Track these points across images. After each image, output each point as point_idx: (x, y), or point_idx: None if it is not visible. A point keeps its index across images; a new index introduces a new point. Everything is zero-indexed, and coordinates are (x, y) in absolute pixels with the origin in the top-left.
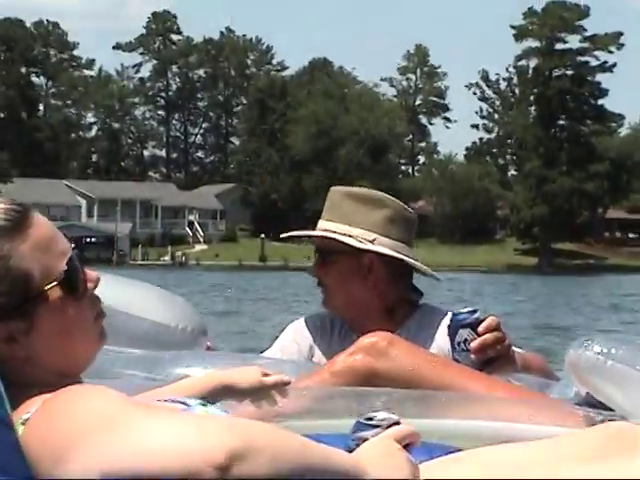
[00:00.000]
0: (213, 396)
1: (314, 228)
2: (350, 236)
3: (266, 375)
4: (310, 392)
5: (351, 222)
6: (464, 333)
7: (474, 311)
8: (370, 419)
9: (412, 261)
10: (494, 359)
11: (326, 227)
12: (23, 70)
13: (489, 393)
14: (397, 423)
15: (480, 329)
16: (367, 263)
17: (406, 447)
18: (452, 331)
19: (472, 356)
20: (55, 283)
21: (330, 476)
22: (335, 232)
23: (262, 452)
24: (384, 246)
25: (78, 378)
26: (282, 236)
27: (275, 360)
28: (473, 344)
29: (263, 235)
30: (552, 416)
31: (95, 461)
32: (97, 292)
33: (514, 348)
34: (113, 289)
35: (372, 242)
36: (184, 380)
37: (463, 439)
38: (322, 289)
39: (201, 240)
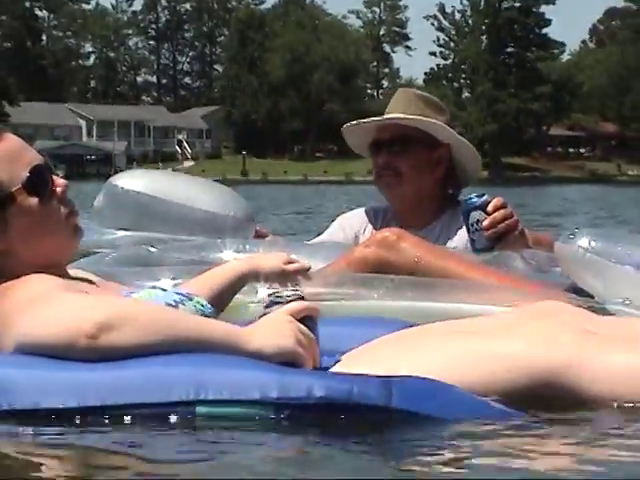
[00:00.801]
0: (241, 281)
1: (292, 145)
2: (437, 130)
3: (289, 262)
4: (328, 278)
5: (426, 116)
6: (475, 215)
7: (482, 195)
8: (279, 296)
9: (476, 157)
10: (505, 235)
11: (410, 118)
12: (27, 4)
13: (479, 280)
14: (302, 298)
15: (489, 208)
16: (437, 156)
17: (307, 319)
18: (465, 215)
19: (485, 233)
20: (19, 187)
21: (205, 345)
22: (429, 124)
23: (129, 324)
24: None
25: (60, 269)
26: (365, 120)
27: (316, 245)
28: (484, 222)
29: (244, 152)
30: (530, 301)
31: (17, 332)
32: (156, 186)
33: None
34: (170, 183)
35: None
36: (216, 268)
37: (433, 318)
38: (392, 176)
39: (189, 157)
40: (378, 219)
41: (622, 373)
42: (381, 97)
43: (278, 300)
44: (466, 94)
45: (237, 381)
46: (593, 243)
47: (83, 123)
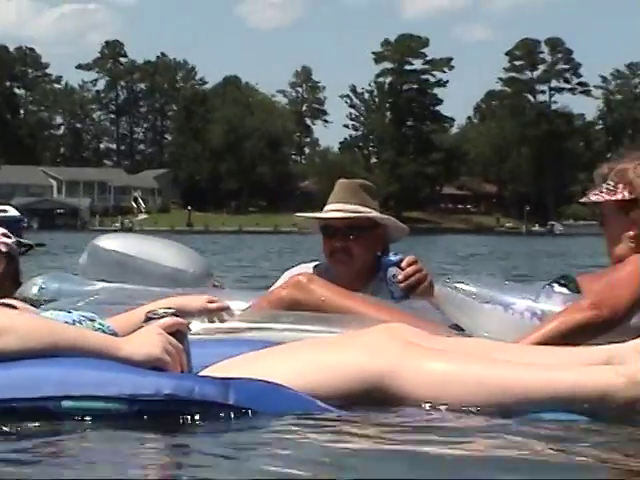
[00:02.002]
0: None
1: (229, 201)
2: (379, 217)
3: (212, 302)
4: (246, 315)
5: (367, 205)
6: (392, 270)
7: (397, 254)
8: (155, 313)
9: (404, 229)
10: (417, 286)
11: (359, 209)
12: (7, 84)
13: (373, 315)
14: (175, 315)
15: (403, 265)
16: (378, 236)
17: (177, 333)
18: (383, 270)
19: (400, 285)
20: None
21: (83, 352)
22: (373, 216)
23: (13, 332)
24: (393, 224)
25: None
26: (323, 215)
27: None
28: (399, 277)
29: (189, 207)
30: None
31: None
32: (130, 246)
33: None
34: (141, 243)
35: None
36: (143, 307)
37: None
38: (343, 254)
39: (143, 211)
40: (328, 275)
41: (438, 379)
42: (303, 161)
43: (153, 317)
44: (373, 159)
45: (98, 380)
46: (465, 286)
47: (54, 183)
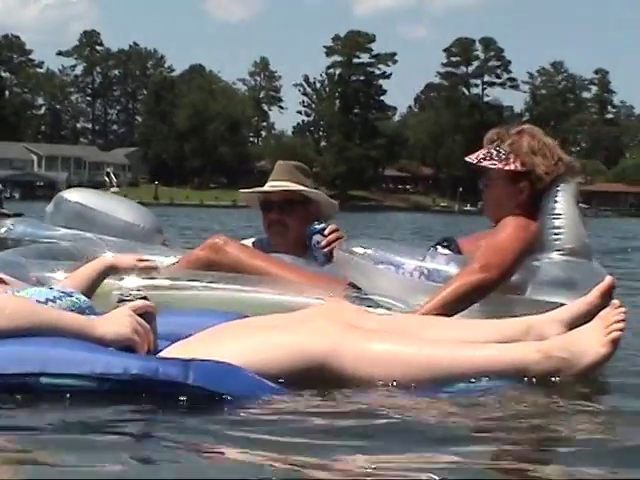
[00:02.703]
0: (105, 272)
1: (192, 177)
2: (309, 192)
3: (141, 260)
4: (168, 274)
5: (300, 183)
6: (316, 237)
7: (321, 223)
8: (126, 296)
9: (335, 206)
10: None
11: (289, 185)
12: None
13: (282, 276)
14: (145, 298)
15: (325, 232)
16: (312, 211)
17: (146, 315)
18: (309, 238)
19: (323, 251)
20: None
21: (61, 331)
22: (303, 190)
23: (0, 313)
24: (324, 200)
25: None
26: (264, 189)
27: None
28: (322, 243)
29: (157, 182)
30: (319, 293)
31: None
32: (90, 199)
33: None
34: (100, 198)
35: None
36: (91, 262)
37: (249, 307)
38: (279, 226)
39: (114, 185)
40: (268, 247)
41: (375, 358)
42: (260, 143)
43: (125, 299)
44: (323, 143)
45: (73, 359)
46: (364, 250)
47: (35, 158)
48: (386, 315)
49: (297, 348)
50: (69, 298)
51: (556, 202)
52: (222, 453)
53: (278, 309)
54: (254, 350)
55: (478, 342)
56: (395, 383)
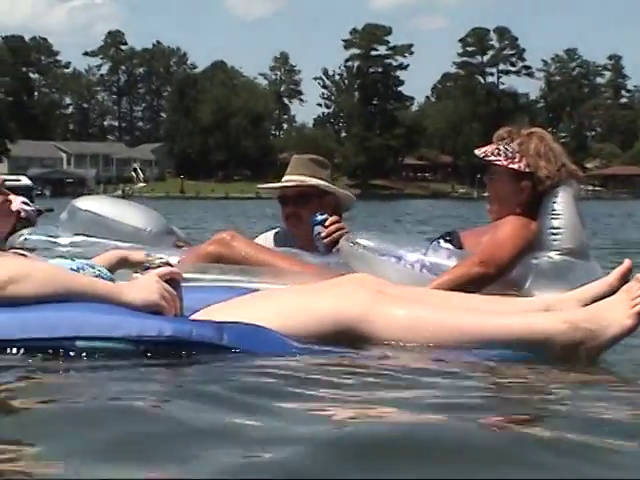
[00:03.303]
0: (116, 264)
1: (217, 171)
2: (323, 186)
3: (149, 255)
4: (179, 267)
5: (316, 176)
6: (318, 228)
7: (323, 214)
8: (152, 263)
9: (351, 199)
10: (338, 241)
11: (305, 180)
12: (23, 69)
13: (288, 268)
14: (169, 264)
15: (326, 224)
16: (327, 203)
17: (171, 281)
18: (311, 228)
19: (324, 241)
20: None
21: (90, 297)
22: (317, 183)
23: (32, 278)
24: (340, 192)
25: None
26: (277, 185)
27: None
28: (322, 234)
29: (182, 176)
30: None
31: None
32: (100, 207)
33: None
34: (110, 205)
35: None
36: (106, 253)
37: None
38: (295, 218)
39: (141, 180)
40: (284, 240)
41: (404, 323)
42: (282, 136)
43: (151, 266)
44: (344, 134)
45: (107, 323)
46: (364, 241)
47: (64, 155)
48: (409, 287)
49: (328, 312)
50: (92, 269)
51: (556, 202)
52: (256, 412)
53: None
54: (285, 314)
55: None
56: (424, 347)
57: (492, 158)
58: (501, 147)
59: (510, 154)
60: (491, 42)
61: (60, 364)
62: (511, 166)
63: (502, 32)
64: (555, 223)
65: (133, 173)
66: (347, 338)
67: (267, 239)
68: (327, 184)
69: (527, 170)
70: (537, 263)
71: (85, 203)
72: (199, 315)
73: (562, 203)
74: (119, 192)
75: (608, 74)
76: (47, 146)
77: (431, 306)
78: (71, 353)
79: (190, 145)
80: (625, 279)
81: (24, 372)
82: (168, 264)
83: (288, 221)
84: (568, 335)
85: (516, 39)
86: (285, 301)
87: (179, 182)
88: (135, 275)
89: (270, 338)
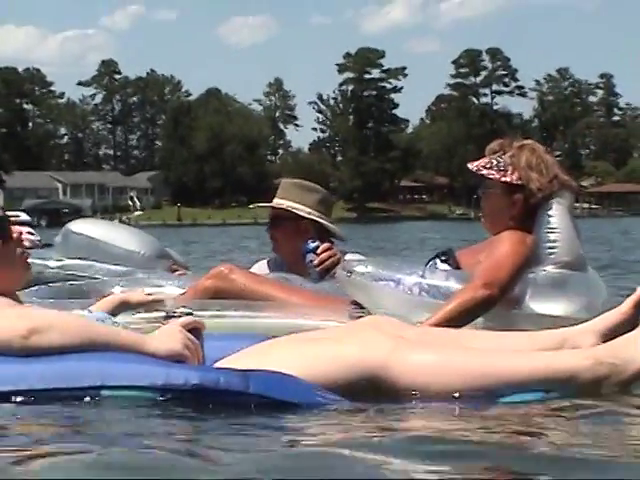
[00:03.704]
0: (117, 308)
1: (213, 198)
2: (296, 209)
3: (149, 294)
4: (181, 303)
5: (296, 200)
6: (309, 256)
7: (314, 241)
8: (174, 312)
9: (330, 225)
10: (331, 269)
11: (281, 202)
12: (17, 100)
13: (291, 300)
14: (191, 314)
15: (318, 251)
16: (303, 227)
17: (194, 330)
18: (303, 257)
19: (317, 269)
20: None
21: (115, 347)
22: (289, 206)
23: (54, 329)
24: (316, 217)
25: (12, 294)
26: (251, 206)
27: None
28: (314, 262)
29: (179, 204)
30: (327, 314)
31: None
32: (93, 230)
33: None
34: (103, 228)
35: (308, 214)
36: (106, 298)
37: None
38: (273, 241)
39: (138, 208)
40: (277, 265)
41: (428, 369)
42: (278, 161)
43: (173, 315)
44: (339, 158)
45: (133, 372)
46: (365, 268)
47: (59, 186)
48: (423, 327)
49: (352, 360)
50: (109, 320)
51: (551, 215)
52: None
53: (288, 333)
54: (308, 362)
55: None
56: (447, 393)
57: (484, 172)
58: (493, 160)
59: (502, 167)
60: (484, 63)
61: (86, 413)
62: (503, 179)
63: (494, 53)
64: (551, 236)
65: (129, 202)
66: (372, 386)
67: (261, 267)
68: (298, 206)
69: (519, 183)
70: (535, 278)
71: (79, 226)
72: (222, 363)
73: (556, 216)
74: (116, 221)
75: (600, 92)
76: (42, 176)
77: (452, 350)
78: (96, 402)
79: (186, 173)
80: (638, 307)
81: (51, 421)
82: (190, 314)
83: (272, 244)
84: (593, 371)
85: (508, 59)
86: (308, 349)
87: (176, 210)
88: (136, 316)
89: (296, 386)
